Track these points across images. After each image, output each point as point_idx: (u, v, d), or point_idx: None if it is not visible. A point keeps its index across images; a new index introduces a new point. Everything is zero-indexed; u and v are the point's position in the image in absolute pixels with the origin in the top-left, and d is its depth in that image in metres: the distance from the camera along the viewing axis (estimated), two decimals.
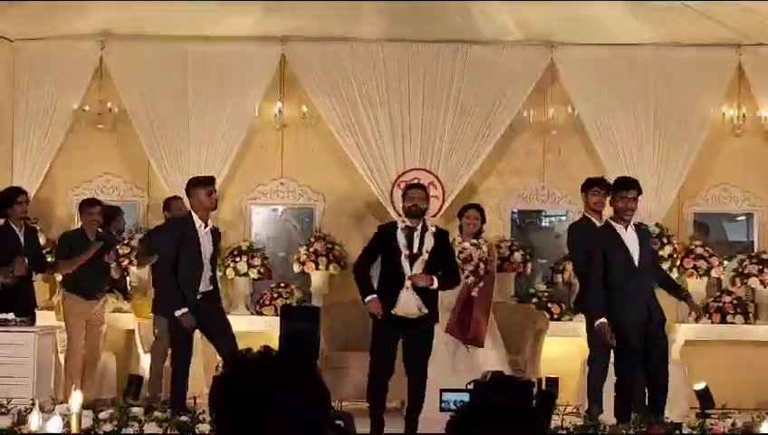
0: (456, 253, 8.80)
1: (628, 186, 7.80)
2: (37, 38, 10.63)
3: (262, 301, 10.43)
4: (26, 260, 9.37)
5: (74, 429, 4.53)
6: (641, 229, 8.04)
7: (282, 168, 10.93)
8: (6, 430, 6.81)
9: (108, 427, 7.01)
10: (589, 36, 10.41)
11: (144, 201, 11.02)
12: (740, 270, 10.34)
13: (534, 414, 2.52)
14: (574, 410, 7.79)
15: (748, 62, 10.48)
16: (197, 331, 8.40)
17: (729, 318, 10.19)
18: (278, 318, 9.08)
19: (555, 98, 10.73)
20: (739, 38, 10.29)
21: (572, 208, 10.74)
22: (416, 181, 10.05)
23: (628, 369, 7.69)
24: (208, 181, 8.34)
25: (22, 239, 9.45)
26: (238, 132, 10.64)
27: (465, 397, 6.34)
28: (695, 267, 10.25)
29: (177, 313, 8.11)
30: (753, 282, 10.27)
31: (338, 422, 5.02)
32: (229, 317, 8.61)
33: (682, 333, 9.92)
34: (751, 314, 10.27)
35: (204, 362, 9.55)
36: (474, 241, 9.10)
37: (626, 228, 7.75)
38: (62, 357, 9.50)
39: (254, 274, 10.43)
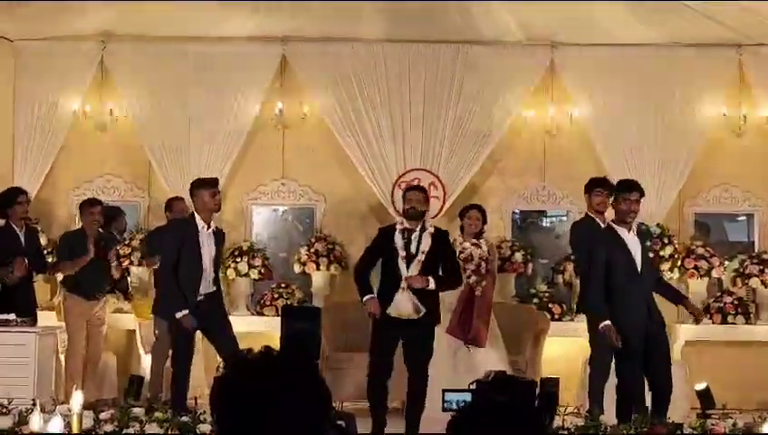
0: (457, 253, 8.81)
1: (630, 188, 7.79)
2: (38, 38, 10.63)
3: (262, 301, 10.43)
4: (27, 261, 9.37)
5: (75, 429, 4.53)
6: (640, 230, 8.04)
7: (282, 168, 10.93)
8: (7, 430, 6.81)
9: (109, 427, 7.01)
10: (589, 37, 10.41)
11: (145, 202, 11.02)
12: (741, 270, 10.33)
13: (536, 414, 2.52)
14: (575, 411, 7.80)
15: (749, 63, 10.48)
16: (198, 332, 8.40)
17: (730, 318, 10.19)
18: (279, 319, 9.07)
19: (556, 98, 10.73)
20: (740, 38, 10.28)
21: (573, 209, 10.74)
22: (416, 182, 10.07)
23: (628, 370, 7.69)
24: (212, 183, 8.34)
25: (22, 240, 9.46)
26: (239, 132, 10.64)
27: (468, 397, 6.34)
28: (695, 268, 10.24)
29: (178, 314, 8.11)
30: (754, 282, 10.26)
31: (339, 422, 5.02)
32: (230, 318, 8.61)
33: (683, 333, 9.91)
34: (752, 315, 10.26)
35: (204, 363, 9.55)
36: (474, 241, 9.11)
37: (628, 231, 7.75)
38: (62, 358, 9.49)
39: (254, 274, 10.42)
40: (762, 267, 10.26)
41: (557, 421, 7.17)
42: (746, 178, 10.74)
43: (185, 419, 7.16)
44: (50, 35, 10.59)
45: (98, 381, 9.64)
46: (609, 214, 8.39)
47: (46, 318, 9.70)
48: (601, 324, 7.58)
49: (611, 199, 8.14)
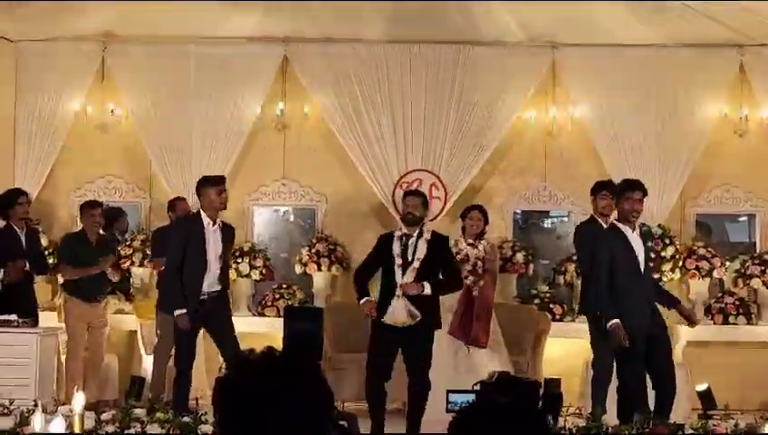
0: (454, 254, 8.83)
1: (633, 187, 7.81)
2: (39, 39, 10.63)
3: (264, 302, 10.43)
4: (27, 263, 9.37)
5: (77, 429, 4.53)
6: (642, 231, 8.05)
7: (284, 168, 10.93)
8: (9, 430, 6.82)
9: (110, 428, 7.02)
10: (590, 37, 10.41)
11: (146, 202, 11.02)
12: (742, 271, 10.33)
13: (538, 415, 2.52)
14: (577, 412, 7.80)
15: (750, 63, 10.47)
16: (203, 331, 8.40)
17: (731, 319, 10.19)
18: (280, 319, 9.08)
19: (557, 99, 10.73)
20: (741, 39, 10.28)
21: (575, 209, 10.75)
22: (417, 182, 10.07)
23: (629, 370, 7.69)
24: (218, 181, 8.34)
25: (23, 241, 9.46)
26: (240, 133, 10.64)
27: (472, 398, 6.34)
28: (697, 268, 10.24)
29: (176, 313, 8.13)
30: (756, 283, 10.26)
31: (342, 423, 5.02)
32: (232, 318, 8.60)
33: (684, 334, 9.89)
34: (753, 315, 10.26)
35: (206, 364, 9.55)
36: (471, 241, 9.11)
37: (632, 230, 7.76)
38: (64, 359, 9.49)
39: (255, 275, 10.43)
40: (763, 268, 10.26)
41: (559, 422, 7.16)
42: (748, 178, 10.73)
43: (186, 419, 7.16)
44: (51, 36, 10.60)
45: (99, 382, 9.63)
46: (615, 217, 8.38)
47: (48, 319, 9.70)
48: (609, 323, 7.57)
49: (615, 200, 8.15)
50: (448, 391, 6.75)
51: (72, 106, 10.73)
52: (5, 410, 7.27)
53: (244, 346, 7.67)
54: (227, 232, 8.38)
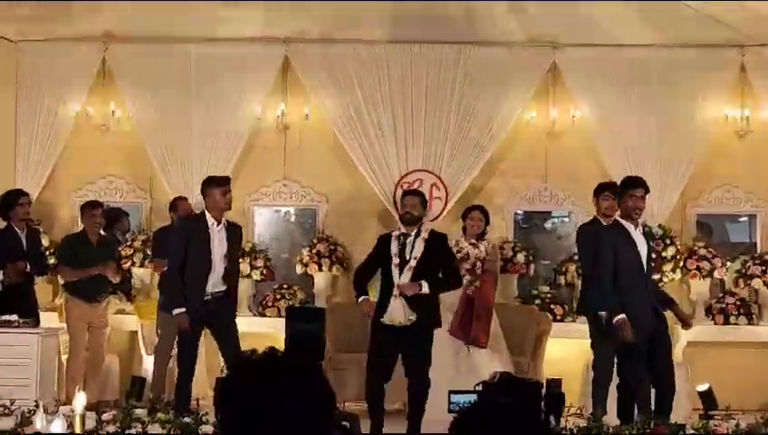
0: (455, 252, 8.84)
1: (635, 184, 7.83)
2: (40, 39, 10.64)
3: (264, 302, 10.43)
4: (28, 263, 9.37)
5: (78, 430, 4.53)
6: (645, 231, 8.06)
7: (284, 169, 10.93)
8: (10, 431, 6.82)
9: (111, 428, 7.02)
10: (591, 37, 10.41)
11: (147, 203, 11.02)
12: (743, 271, 10.33)
13: (538, 415, 2.52)
14: (577, 412, 7.79)
15: (751, 63, 10.47)
16: (207, 331, 8.40)
17: (732, 319, 10.19)
18: (281, 319, 9.08)
19: (558, 99, 10.73)
20: (742, 39, 10.28)
21: (575, 210, 10.75)
22: (418, 183, 10.07)
23: (631, 370, 7.69)
24: (223, 181, 8.35)
25: (24, 241, 9.46)
26: (241, 134, 10.64)
27: (474, 398, 6.34)
28: (698, 268, 10.24)
29: (175, 312, 8.13)
30: (757, 283, 10.26)
31: (344, 423, 5.02)
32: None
33: (685, 334, 9.87)
34: (754, 316, 10.27)
35: (207, 364, 9.55)
36: (473, 241, 9.11)
37: (635, 228, 7.77)
38: (65, 359, 9.49)
39: (256, 275, 10.42)
40: (764, 268, 10.26)
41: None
42: (748, 178, 10.73)
43: (187, 420, 7.16)
44: (52, 37, 10.60)
45: (100, 383, 9.63)
46: None
47: (49, 319, 9.71)
48: (616, 318, 7.58)
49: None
50: (450, 392, 6.75)
51: (72, 107, 10.73)
52: (6, 411, 7.28)
53: (244, 346, 7.67)
54: (233, 231, 8.36)
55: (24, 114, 10.75)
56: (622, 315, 7.55)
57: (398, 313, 7.86)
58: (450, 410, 6.51)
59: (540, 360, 9.68)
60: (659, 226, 10.24)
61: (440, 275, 8.00)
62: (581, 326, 9.16)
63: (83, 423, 4.54)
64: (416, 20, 10.12)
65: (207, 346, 9.00)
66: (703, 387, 9.59)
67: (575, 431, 7.15)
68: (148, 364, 9.79)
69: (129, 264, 10.38)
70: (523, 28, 10.36)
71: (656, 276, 9.10)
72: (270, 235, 11.29)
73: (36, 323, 9.16)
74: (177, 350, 8.54)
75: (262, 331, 9.87)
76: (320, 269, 10.47)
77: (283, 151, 10.91)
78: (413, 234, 8.00)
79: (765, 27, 9.89)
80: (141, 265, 10.42)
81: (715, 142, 10.57)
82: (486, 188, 10.82)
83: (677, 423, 7.33)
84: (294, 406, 2.18)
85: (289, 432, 2.18)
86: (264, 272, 10.43)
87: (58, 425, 4.75)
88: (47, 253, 10.18)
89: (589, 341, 8.60)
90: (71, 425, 5.20)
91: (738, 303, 10.26)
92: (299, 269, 10.60)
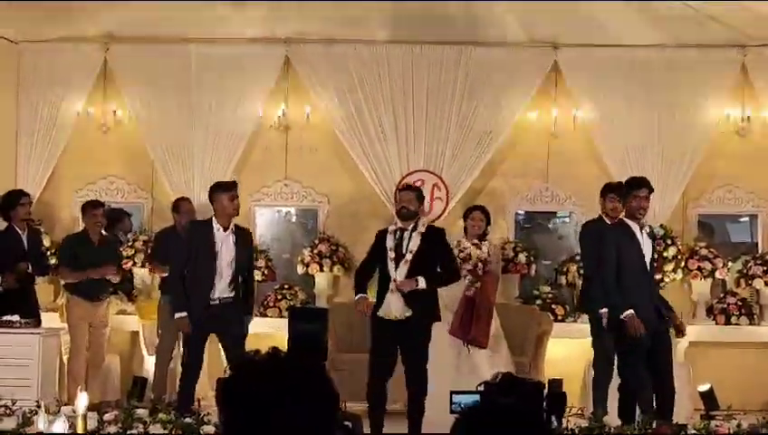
0: (457, 253, 8.85)
1: (639, 184, 7.85)
2: (41, 40, 10.64)
3: (266, 303, 10.43)
4: (29, 264, 9.37)
5: (80, 430, 4.53)
6: (650, 232, 8.07)
7: (286, 169, 10.93)
8: (12, 431, 6.82)
9: (112, 428, 7.02)
10: (592, 38, 10.41)
11: (148, 203, 11.02)
12: (745, 271, 10.33)
13: (539, 415, 2.52)
14: (579, 412, 7.79)
15: (752, 63, 10.47)
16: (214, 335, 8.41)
17: (734, 319, 10.19)
18: (282, 320, 9.09)
19: (559, 99, 10.72)
20: (743, 39, 10.28)
21: (577, 210, 10.76)
22: (419, 183, 10.07)
23: (631, 370, 7.70)
24: (230, 187, 8.31)
25: (25, 242, 9.46)
26: (242, 134, 10.65)
27: (476, 399, 6.34)
28: (699, 269, 10.25)
29: (177, 315, 8.14)
30: (758, 283, 10.26)
31: (346, 423, 5.03)
32: None
33: (686, 334, 9.90)
34: (755, 316, 10.27)
35: (208, 365, 9.53)
36: (476, 242, 9.11)
37: (640, 229, 7.78)
38: (66, 359, 9.49)
39: (258, 276, 10.40)
40: (765, 268, 10.26)
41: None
42: (750, 178, 10.73)
43: (188, 420, 7.16)
44: (53, 37, 10.60)
45: (101, 383, 9.63)
46: None
47: (50, 319, 9.71)
48: (624, 314, 7.58)
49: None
50: (452, 392, 6.75)
51: (73, 107, 10.74)
52: (8, 411, 7.27)
53: (247, 347, 7.69)
54: (242, 237, 8.33)
55: (26, 115, 10.76)
56: (630, 311, 7.56)
57: (394, 307, 7.88)
58: (452, 411, 6.52)
59: (541, 360, 9.68)
60: (661, 226, 10.23)
61: (438, 270, 8.01)
62: (583, 326, 9.17)
63: (85, 423, 4.54)
64: (416, 20, 10.12)
65: (208, 347, 8.98)
66: (704, 387, 9.58)
67: (577, 432, 7.15)
68: (149, 365, 9.80)
69: (130, 264, 10.37)
70: (524, 28, 10.36)
71: (656, 276, 9.08)
72: (271, 235, 11.29)
73: (37, 323, 9.16)
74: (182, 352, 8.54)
75: (263, 331, 9.85)
76: (321, 269, 10.47)
77: (284, 152, 10.91)
78: (409, 228, 8.02)
79: (766, 27, 9.89)
80: (142, 266, 10.42)
81: (716, 142, 10.57)
82: (487, 188, 10.82)
83: (679, 423, 7.33)
84: (297, 406, 2.18)
85: (292, 433, 2.18)
86: (266, 272, 10.43)
87: (60, 425, 4.75)
88: (48, 253, 10.18)
89: (590, 340, 8.62)
90: (72, 425, 5.21)
91: (739, 303, 10.26)
92: (300, 269, 10.60)
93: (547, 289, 10.43)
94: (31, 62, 10.79)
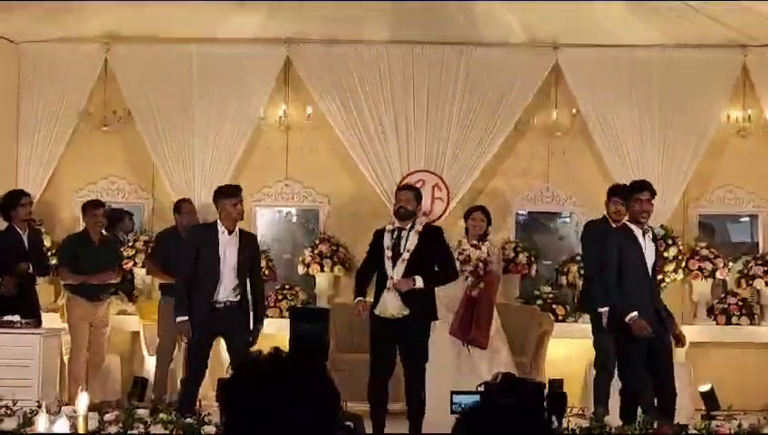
0: (457, 255, 8.85)
1: (641, 188, 7.85)
2: (42, 40, 10.65)
3: (267, 303, 10.41)
4: (30, 264, 9.37)
5: (81, 430, 4.53)
6: (653, 236, 8.07)
7: (286, 169, 10.93)
8: (12, 431, 6.82)
9: (113, 429, 7.02)
10: (593, 38, 10.41)
11: (149, 204, 11.02)
12: (745, 271, 10.33)
13: (540, 416, 2.52)
14: (579, 412, 7.79)
15: (753, 64, 10.47)
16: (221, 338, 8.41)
17: (734, 320, 10.19)
18: (282, 320, 9.09)
19: (559, 100, 10.73)
20: (744, 39, 10.28)
21: (577, 210, 10.76)
22: (420, 183, 10.08)
23: (631, 372, 7.70)
24: (233, 192, 8.28)
25: (26, 242, 9.46)
26: (243, 134, 10.65)
27: (476, 399, 6.34)
28: (700, 269, 10.25)
29: (178, 319, 8.13)
30: (759, 283, 10.26)
31: (348, 423, 5.03)
32: None
33: (687, 334, 9.87)
34: (756, 316, 10.27)
35: (208, 366, 9.54)
36: (474, 242, 9.11)
37: (643, 233, 7.77)
38: (66, 359, 9.49)
39: None
40: (766, 268, 10.26)
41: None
42: (750, 179, 10.73)
43: (189, 420, 7.16)
44: (54, 37, 10.61)
45: (102, 383, 9.64)
46: None
47: (50, 320, 9.71)
48: (629, 317, 7.58)
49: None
50: (452, 392, 6.75)
51: (74, 107, 10.73)
52: (9, 411, 7.27)
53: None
54: (247, 241, 8.32)
55: (26, 115, 10.76)
56: (635, 313, 7.56)
57: (390, 305, 7.89)
58: (452, 411, 6.52)
59: (542, 360, 9.68)
60: (661, 226, 10.23)
61: (435, 269, 8.02)
62: (583, 326, 9.18)
63: (86, 424, 4.54)
64: (416, 20, 10.12)
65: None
66: (705, 387, 9.59)
67: (577, 432, 7.14)
68: (149, 365, 9.80)
69: (130, 264, 10.37)
70: (525, 29, 10.36)
71: (658, 277, 9.07)
72: (272, 235, 11.29)
73: (38, 323, 9.16)
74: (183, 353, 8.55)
75: (264, 331, 9.85)
76: (321, 270, 10.47)
77: (285, 152, 10.91)
78: (407, 227, 8.03)
79: (767, 27, 9.88)
80: (143, 266, 10.42)
81: (716, 142, 10.57)
82: (488, 188, 10.82)
83: (680, 424, 7.33)
84: (298, 406, 2.18)
85: (293, 433, 2.18)
86: (266, 272, 10.42)
87: (61, 425, 4.74)
88: (49, 253, 10.18)
89: (591, 340, 8.62)
90: (73, 426, 5.20)
91: (740, 303, 10.26)
92: (300, 270, 10.60)
93: (548, 289, 10.43)
94: (31, 62, 10.79)
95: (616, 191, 8.77)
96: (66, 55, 10.74)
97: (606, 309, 8.08)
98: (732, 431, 7.24)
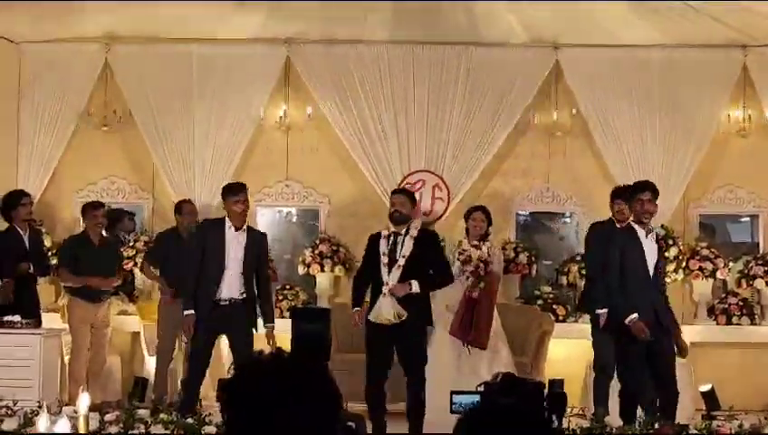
0: (457, 255, 8.84)
1: (643, 188, 7.85)
2: (42, 40, 10.65)
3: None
4: (30, 265, 9.37)
5: (82, 430, 4.52)
6: (658, 237, 8.07)
7: (287, 170, 10.93)
8: (13, 431, 6.82)
9: (114, 429, 7.02)
10: (593, 38, 10.41)
11: (149, 204, 11.03)
12: (746, 271, 10.33)
13: (541, 416, 2.52)
14: (580, 412, 7.79)
15: (754, 64, 10.47)
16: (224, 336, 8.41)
17: (735, 320, 10.19)
18: (283, 320, 9.08)
19: (560, 100, 10.72)
20: (744, 39, 10.28)
21: (577, 210, 10.76)
22: (420, 183, 10.09)
23: (631, 373, 7.70)
24: (235, 190, 8.31)
25: (27, 242, 9.46)
26: (243, 134, 10.65)
27: (476, 399, 6.34)
28: (700, 269, 10.25)
29: (185, 313, 8.15)
30: (759, 283, 10.26)
31: (349, 424, 5.03)
32: None
33: (687, 334, 9.86)
34: (757, 316, 10.27)
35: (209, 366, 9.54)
36: (475, 243, 9.11)
37: (646, 234, 7.77)
38: (67, 360, 9.49)
39: None
40: (766, 268, 10.26)
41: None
42: (751, 178, 10.73)
43: (190, 420, 7.16)
44: (54, 38, 10.61)
45: (102, 383, 9.64)
46: None
47: (51, 320, 9.71)
48: (628, 319, 7.58)
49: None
50: (452, 392, 6.74)
51: (74, 107, 10.74)
52: (10, 412, 7.27)
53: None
54: (254, 239, 8.32)
55: (26, 115, 10.76)
56: (635, 315, 7.56)
57: (385, 310, 7.90)
58: (452, 411, 6.51)
59: (542, 360, 9.67)
60: (662, 226, 10.23)
61: (430, 272, 8.02)
62: (584, 327, 9.18)
63: (87, 424, 4.54)
64: (416, 20, 10.11)
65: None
66: (705, 387, 9.59)
67: (578, 432, 7.14)
68: (150, 365, 9.80)
69: (131, 265, 10.37)
70: (525, 29, 10.35)
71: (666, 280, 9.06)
72: (272, 235, 11.22)
73: (38, 323, 9.16)
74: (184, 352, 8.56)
75: (264, 331, 9.86)
76: (322, 270, 10.47)
77: (285, 152, 10.91)
78: (402, 232, 8.02)
79: (767, 28, 9.89)
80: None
81: (717, 142, 10.57)
82: (488, 188, 10.82)
83: (680, 424, 7.33)
84: (300, 406, 2.18)
85: (295, 433, 2.18)
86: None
87: (62, 426, 4.74)
88: (49, 254, 10.18)
89: (591, 340, 8.62)
90: (74, 426, 5.20)
91: (741, 303, 10.26)
92: (301, 270, 10.60)
93: (548, 289, 10.43)
94: (32, 62, 10.79)
95: (618, 193, 8.78)
96: (66, 55, 10.74)
97: (605, 311, 8.09)
98: (732, 431, 7.24)
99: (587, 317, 9.11)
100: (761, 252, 10.58)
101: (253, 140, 10.75)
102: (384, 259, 7.97)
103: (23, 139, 10.76)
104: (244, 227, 8.25)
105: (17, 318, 8.91)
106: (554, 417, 6.73)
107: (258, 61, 10.68)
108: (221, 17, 10.10)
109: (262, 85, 10.67)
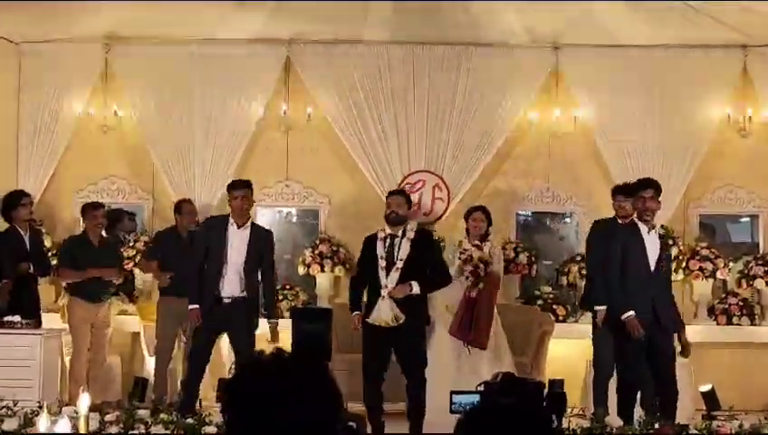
0: (458, 254, 8.84)
1: (645, 185, 7.88)
2: (42, 41, 10.64)
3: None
4: (31, 265, 9.37)
5: (82, 430, 4.53)
6: (663, 237, 8.08)
7: (287, 170, 10.93)
8: (13, 431, 6.83)
9: (114, 429, 7.02)
10: (593, 38, 10.41)
11: (149, 204, 11.02)
12: (746, 272, 10.33)
13: (541, 416, 2.52)
14: (580, 412, 7.79)
15: (753, 64, 10.47)
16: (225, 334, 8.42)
17: (735, 320, 10.20)
18: (283, 320, 9.07)
19: (560, 100, 10.72)
20: (745, 39, 10.28)
21: (577, 211, 10.76)
22: (420, 183, 10.09)
23: (630, 372, 7.70)
24: (233, 186, 8.41)
25: (27, 242, 9.46)
26: (243, 134, 10.65)
27: (476, 399, 6.34)
28: (700, 269, 10.25)
29: (190, 307, 8.16)
30: (759, 283, 10.26)
31: (350, 424, 5.03)
32: None
33: (687, 334, 9.87)
34: (757, 316, 10.27)
35: (209, 366, 9.53)
36: (477, 243, 9.10)
37: (648, 231, 7.78)
38: (67, 360, 9.49)
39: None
40: (767, 268, 10.26)
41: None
42: (751, 179, 10.73)
43: (190, 420, 7.17)
44: (54, 38, 10.60)
45: (102, 384, 9.63)
46: None
47: (51, 320, 9.71)
48: (625, 316, 7.60)
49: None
50: (452, 392, 6.75)
51: (74, 107, 10.74)
52: (10, 412, 7.28)
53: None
54: (258, 236, 8.34)
55: (27, 115, 10.76)
56: (631, 312, 7.58)
57: (384, 313, 7.89)
58: (452, 411, 6.52)
59: (542, 360, 9.67)
60: (662, 226, 10.22)
61: (428, 273, 8.02)
62: (584, 326, 9.18)
63: (88, 424, 4.54)
64: (416, 20, 10.11)
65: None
66: (706, 387, 9.59)
67: (578, 432, 7.15)
68: (150, 365, 9.79)
69: (131, 265, 10.37)
70: (525, 29, 10.35)
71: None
72: None
73: (38, 324, 9.16)
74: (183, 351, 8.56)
75: (264, 331, 9.85)
76: (322, 270, 10.47)
77: (286, 152, 10.91)
78: (399, 234, 8.02)
79: (767, 27, 9.89)
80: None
81: (717, 143, 10.58)
82: (489, 188, 10.82)
83: (680, 424, 7.34)
84: (301, 406, 2.18)
85: (296, 433, 2.19)
86: None
87: (63, 426, 4.74)
88: (49, 254, 10.18)
89: (591, 340, 8.63)
90: (74, 426, 5.20)
91: (741, 303, 10.26)
92: (301, 270, 10.60)
93: (548, 289, 10.43)
94: (31, 62, 10.79)
95: (618, 190, 8.80)
96: (66, 55, 10.73)
97: (603, 308, 8.11)
98: (733, 431, 7.25)
99: (587, 317, 9.11)
100: (761, 252, 10.58)
101: (253, 140, 10.75)
102: (382, 262, 7.96)
103: (23, 139, 10.76)
104: (248, 223, 8.26)
105: (17, 318, 8.91)
106: (554, 417, 6.73)
107: (258, 61, 10.68)
108: (221, 17, 10.09)
109: (262, 85, 10.67)
